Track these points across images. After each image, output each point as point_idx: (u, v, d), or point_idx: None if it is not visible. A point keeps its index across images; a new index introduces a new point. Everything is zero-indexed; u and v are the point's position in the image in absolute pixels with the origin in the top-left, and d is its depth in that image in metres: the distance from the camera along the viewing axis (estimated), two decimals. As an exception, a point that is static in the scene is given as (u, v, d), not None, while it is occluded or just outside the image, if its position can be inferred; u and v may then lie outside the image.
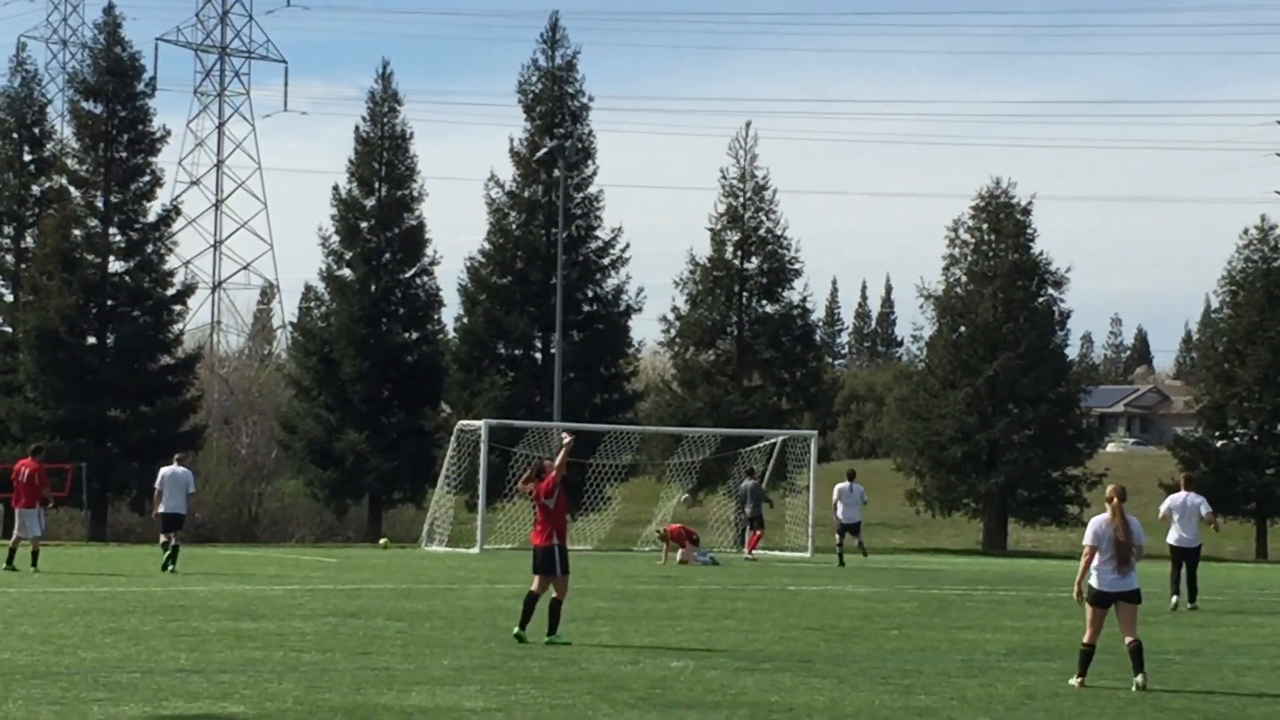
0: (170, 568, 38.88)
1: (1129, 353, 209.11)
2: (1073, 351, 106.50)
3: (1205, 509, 34.38)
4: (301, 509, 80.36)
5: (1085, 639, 19.59)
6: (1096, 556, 19.68)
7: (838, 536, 50.79)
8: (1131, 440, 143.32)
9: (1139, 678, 19.27)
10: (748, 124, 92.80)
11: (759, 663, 21.20)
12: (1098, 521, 19.82)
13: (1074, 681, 19.47)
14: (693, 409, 77.69)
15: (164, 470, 41.03)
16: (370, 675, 19.06)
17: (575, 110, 79.25)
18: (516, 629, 22.41)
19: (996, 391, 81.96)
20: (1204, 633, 27.17)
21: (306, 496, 78.22)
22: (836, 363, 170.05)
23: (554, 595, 22.38)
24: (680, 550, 50.20)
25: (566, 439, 22.62)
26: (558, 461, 22.16)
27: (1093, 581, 19.76)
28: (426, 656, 21.18)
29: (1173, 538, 34.15)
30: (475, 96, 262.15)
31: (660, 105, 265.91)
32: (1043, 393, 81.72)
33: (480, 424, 59.30)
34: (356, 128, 79.06)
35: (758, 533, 54.19)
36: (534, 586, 22.54)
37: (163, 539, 40.08)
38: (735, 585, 37.24)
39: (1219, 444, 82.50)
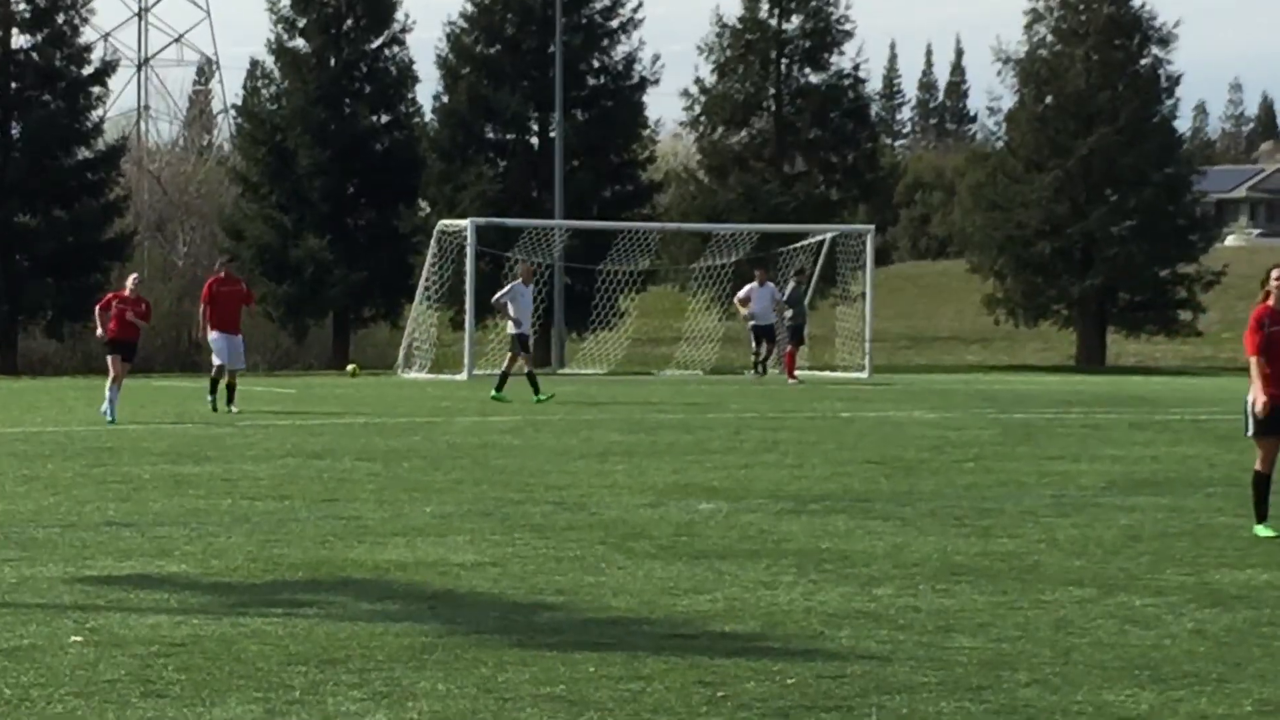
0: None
1: (1252, 125, 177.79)
2: (1184, 125, 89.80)
3: None
4: (254, 331, 58.94)
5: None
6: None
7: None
8: (1255, 231, 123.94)
9: None
10: None
11: (806, 504, 17.05)
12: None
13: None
14: (723, 201, 60.27)
15: None
16: (337, 525, 15.28)
17: None
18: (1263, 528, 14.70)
19: (1091, 174, 61.50)
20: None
21: (259, 316, 59.26)
22: (897, 144, 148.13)
23: None
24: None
25: None
26: None
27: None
28: (405, 503, 16.90)
29: None
30: None
31: None
32: (1147, 175, 61.12)
33: (466, 224, 45.82)
34: None
35: (790, 349, 41.07)
36: (1258, 465, 14.37)
37: None
38: (777, 412, 29.29)
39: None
